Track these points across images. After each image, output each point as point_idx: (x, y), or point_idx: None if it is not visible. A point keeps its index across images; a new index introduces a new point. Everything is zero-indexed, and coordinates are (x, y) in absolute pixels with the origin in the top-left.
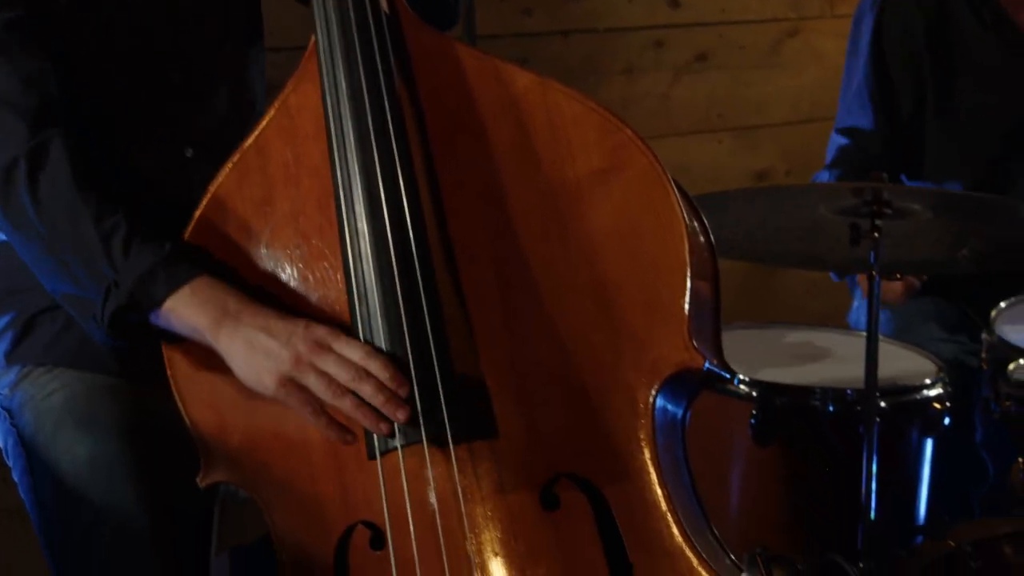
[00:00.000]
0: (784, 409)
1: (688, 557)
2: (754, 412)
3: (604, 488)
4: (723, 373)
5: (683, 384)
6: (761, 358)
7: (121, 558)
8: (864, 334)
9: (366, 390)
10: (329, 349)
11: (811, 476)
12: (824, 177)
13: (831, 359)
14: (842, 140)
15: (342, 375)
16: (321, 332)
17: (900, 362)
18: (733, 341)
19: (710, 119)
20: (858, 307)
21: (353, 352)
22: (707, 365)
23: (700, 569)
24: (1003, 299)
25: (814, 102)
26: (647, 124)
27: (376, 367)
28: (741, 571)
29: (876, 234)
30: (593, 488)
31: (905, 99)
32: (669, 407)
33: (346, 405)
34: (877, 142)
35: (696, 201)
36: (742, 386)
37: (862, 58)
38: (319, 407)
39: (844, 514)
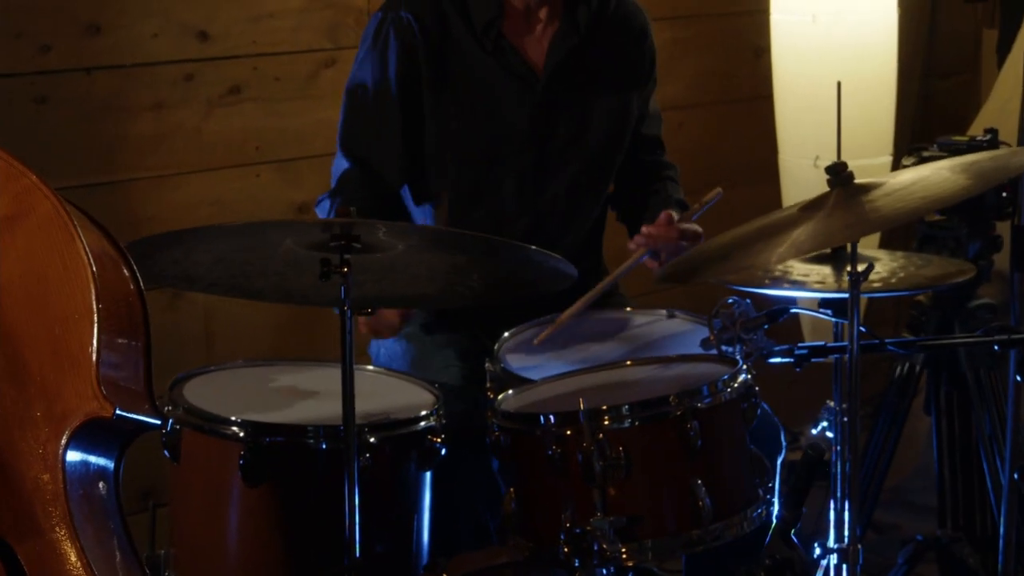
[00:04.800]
0: (275, 448)
1: None
2: (243, 453)
3: (16, 544)
4: (150, 420)
5: (103, 434)
6: (260, 397)
7: None
8: (370, 368)
9: None
10: None
11: (305, 514)
12: (326, 203)
13: (334, 395)
14: (344, 162)
15: None
16: None
17: (398, 395)
18: (232, 381)
19: (247, 152)
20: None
21: None
22: (118, 413)
23: None
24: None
25: None
26: (180, 160)
27: None
28: None
29: (346, 269)
30: (4, 544)
31: (408, 123)
32: (91, 458)
33: None
34: (377, 159)
35: (160, 239)
36: (233, 427)
37: (364, 82)
38: None
39: (338, 551)
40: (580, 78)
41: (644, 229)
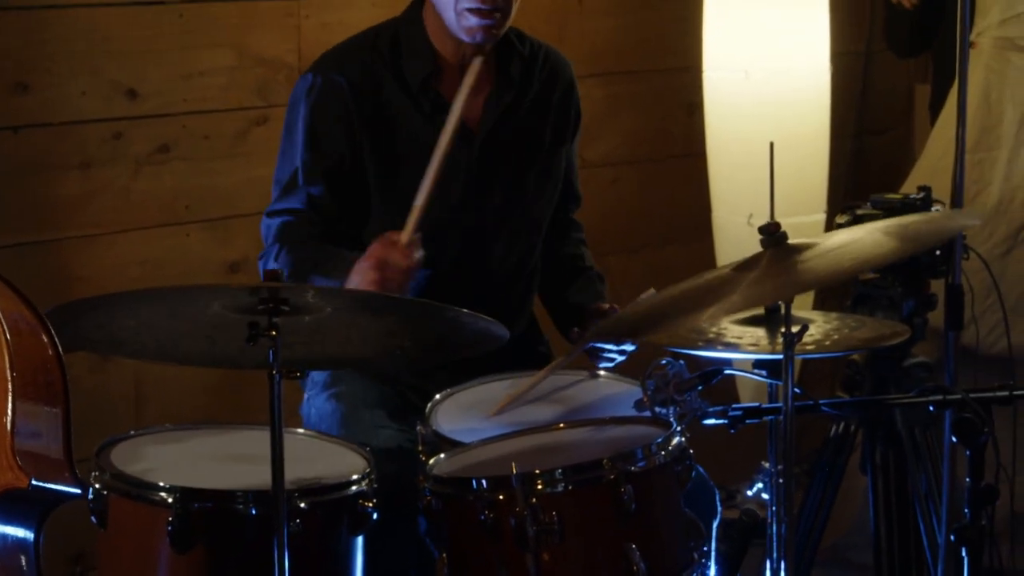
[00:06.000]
0: (204, 514)
1: None
2: (171, 519)
3: None
4: (69, 490)
5: (21, 505)
6: (188, 462)
7: None
8: (301, 432)
9: None
10: None
11: None
12: (271, 252)
13: (264, 459)
14: (278, 218)
15: None
16: None
17: (329, 459)
18: (160, 445)
19: (177, 211)
20: (307, 399)
21: None
22: (34, 484)
23: None
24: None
25: None
26: (109, 219)
27: None
28: None
29: (274, 332)
30: None
31: (347, 186)
32: (9, 530)
33: None
34: (313, 220)
35: (81, 305)
36: (161, 492)
37: (299, 144)
38: None
39: None
40: (515, 133)
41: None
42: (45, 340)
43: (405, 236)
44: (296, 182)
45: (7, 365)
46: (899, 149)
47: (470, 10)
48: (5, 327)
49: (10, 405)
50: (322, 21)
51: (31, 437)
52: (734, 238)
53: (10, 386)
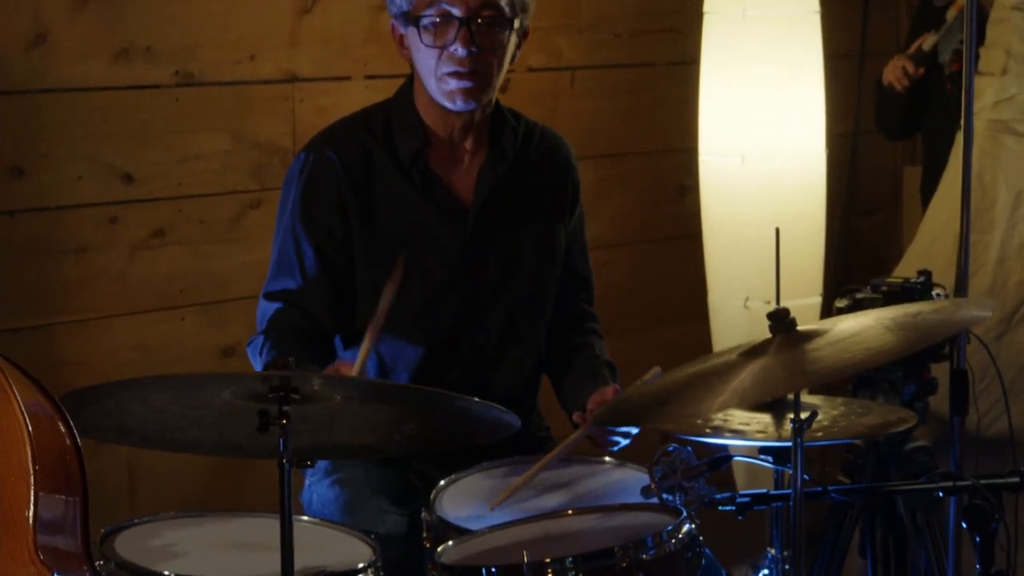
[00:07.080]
0: None
1: None
2: None
3: None
4: None
5: None
6: (193, 550)
7: None
8: (306, 519)
9: None
10: None
11: None
12: (258, 342)
13: (269, 547)
14: (273, 304)
15: None
16: None
17: (334, 547)
18: (164, 533)
19: (172, 295)
20: (308, 485)
21: None
22: None
23: None
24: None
25: None
26: (104, 304)
27: None
28: None
29: (284, 420)
30: None
31: (338, 262)
32: None
33: None
34: (307, 300)
35: (94, 391)
36: None
37: (292, 221)
38: None
39: None
40: (508, 209)
41: (591, 405)
42: (63, 429)
43: (356, 368)
44: (289, 259)
45: (29, 459)
46: (888, 230)
47: (448, 74)
48: (27, 419)
49: (32, 499)
50: (317, 105)
51: (52, 531)
52: (730, 321)
53: (32, 480)
